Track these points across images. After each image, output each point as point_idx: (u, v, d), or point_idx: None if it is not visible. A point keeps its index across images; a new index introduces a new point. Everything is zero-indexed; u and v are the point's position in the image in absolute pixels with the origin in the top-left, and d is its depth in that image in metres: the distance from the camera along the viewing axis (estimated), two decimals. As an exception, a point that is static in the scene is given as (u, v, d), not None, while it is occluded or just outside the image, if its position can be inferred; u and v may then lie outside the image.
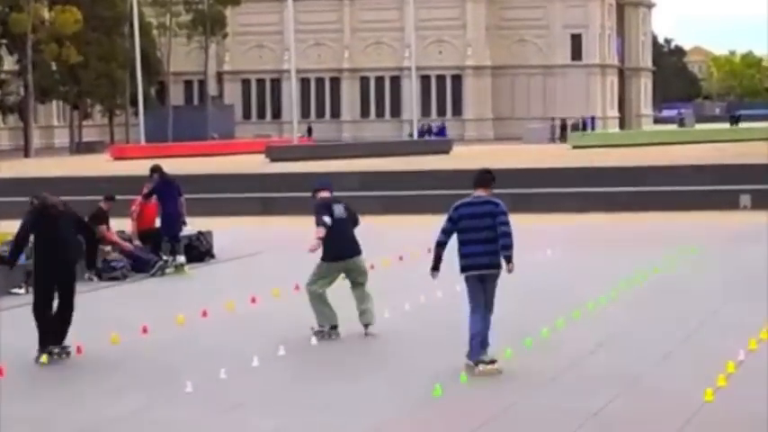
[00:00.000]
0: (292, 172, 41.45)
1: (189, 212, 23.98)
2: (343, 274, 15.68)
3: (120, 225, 24.11)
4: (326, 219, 15.34)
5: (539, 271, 20.93)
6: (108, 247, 22.40)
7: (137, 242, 23.46)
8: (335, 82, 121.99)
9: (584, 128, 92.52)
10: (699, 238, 26.50)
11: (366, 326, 15.62)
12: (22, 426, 11.44)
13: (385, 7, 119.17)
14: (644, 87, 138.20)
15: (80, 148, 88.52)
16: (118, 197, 23.78)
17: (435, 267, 13.31)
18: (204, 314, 17.41)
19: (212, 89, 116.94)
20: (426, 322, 16.50)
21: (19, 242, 14.52)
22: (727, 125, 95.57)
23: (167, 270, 22.80)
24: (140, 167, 30.45)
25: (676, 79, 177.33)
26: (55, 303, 14.45)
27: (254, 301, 18.58)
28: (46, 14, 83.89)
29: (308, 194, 16.19)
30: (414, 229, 28.67)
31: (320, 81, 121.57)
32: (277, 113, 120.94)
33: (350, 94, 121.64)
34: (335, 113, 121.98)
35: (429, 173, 40.35)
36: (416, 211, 33.54)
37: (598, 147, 57.60)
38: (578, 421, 10.96)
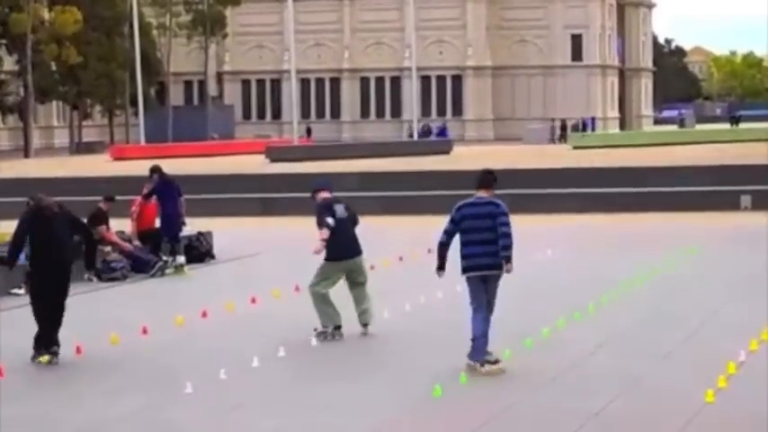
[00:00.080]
0: (292, 172, 41.42)
1: (189, 213, 23.96)
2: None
3: (120, 225, 24.10)
4: (330, 220, 15.32)
5: (539, 271, 20.93)
6: (108, 248, 22.40)
7: (136, 242, 23.45)
8: (335, 82, 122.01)
9: (585, 128, 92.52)
10: (699, 239, 26.49)
11: (365, 325, 15.61)
12: (22, 426, 11.42)
13: (385, 7, 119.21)
14: (644, 88, 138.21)
15: (80, 148, 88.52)
16: (118, 197, 23.77)
17: (441, 267, 13.34)
18: (204, 315, 17.39)
19: (212, 89, 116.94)
20: (426, 322, 16.49)
21: (16, 243, 14.58)
22: (727, 126, 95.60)
23: (167, 270, 22.78)
24: (140, 168, 30.43)
25: (677, 80, 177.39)
26: None
27: (253, 301, 18.57)
28: (46, 15, 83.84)
29: (308, 195, 16.17)
30: (414, 229, 28.68)
31: (320, 81, 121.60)
32: (277, 114, 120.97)
33: (350, 94, 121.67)
34: (335, 114, 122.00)
35: (429, 173, 40.34)
36: (416, 212, 33.54)
37: (598, 147, 57.57)
38: (579, 421, 10.95)
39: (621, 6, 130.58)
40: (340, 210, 15.56)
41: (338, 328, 15.42)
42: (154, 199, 23.53)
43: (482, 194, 13.27)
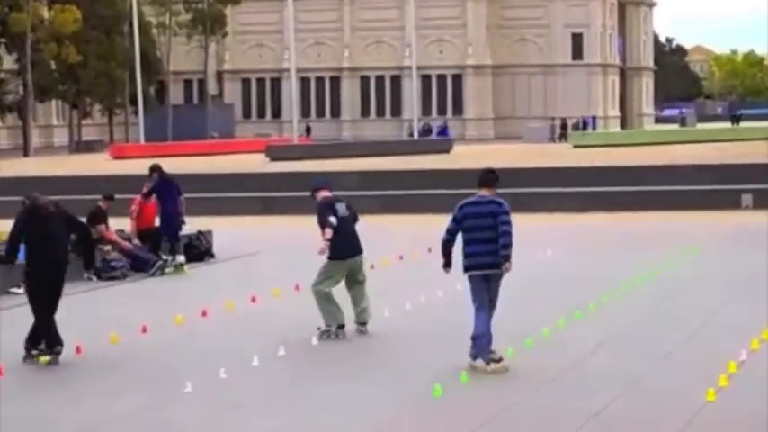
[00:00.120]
0: (292, 171, 41.40)
1: (188, 212, 23.96)
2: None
3: (120, 224, 24.07)
4: (332, 219, 15.29)
5: (539, 270, 20.92)
6: (107, 247, 22.38)
7: (136, 241, 23.42)
8: (335, 81, 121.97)
9: (585, 127, 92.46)
10: (700, 238, 26.47)
11: (363, 324, 15.59)
12: (22, 425, 11.40)
13: (385, 6, 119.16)
14: (645, 87, 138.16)
15: (79, 147, 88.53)
16: (117, 196, 23.75)
17: (447, 264, 13.37)
18: (204, 314, 17.37)
19: (212, 88, 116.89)
20: (427, 321, 16.47)
21: (12, 242, 14.59)
22: (728, 125, 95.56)
23: (167, 269, 22.76)
24: (140, 167, 30.39)
25: (678, 79, 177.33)
26: None
27: (253, 300, 18.55)
28: (45, 13, 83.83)
29: (308, 194, 16.14)
30: (414, 228, 28.68)
31: (320, 80, 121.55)
32: (277, 113, 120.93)
33: (350, 93, 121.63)
34: (336, 113, 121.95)
35: (429, 172, 40.32)
36: (416, 211, 33.54)
37: (599, 146, 57.53)
38: (579, 421, 10.93)
39: (622, 5, 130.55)
40: (341, 208, 15.54)
41: (341, 326, 15.39)
42: (153, 198, 23.51)
43: (484, 193, 13.28)
